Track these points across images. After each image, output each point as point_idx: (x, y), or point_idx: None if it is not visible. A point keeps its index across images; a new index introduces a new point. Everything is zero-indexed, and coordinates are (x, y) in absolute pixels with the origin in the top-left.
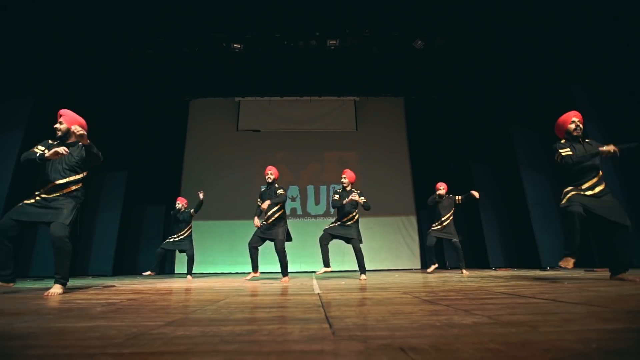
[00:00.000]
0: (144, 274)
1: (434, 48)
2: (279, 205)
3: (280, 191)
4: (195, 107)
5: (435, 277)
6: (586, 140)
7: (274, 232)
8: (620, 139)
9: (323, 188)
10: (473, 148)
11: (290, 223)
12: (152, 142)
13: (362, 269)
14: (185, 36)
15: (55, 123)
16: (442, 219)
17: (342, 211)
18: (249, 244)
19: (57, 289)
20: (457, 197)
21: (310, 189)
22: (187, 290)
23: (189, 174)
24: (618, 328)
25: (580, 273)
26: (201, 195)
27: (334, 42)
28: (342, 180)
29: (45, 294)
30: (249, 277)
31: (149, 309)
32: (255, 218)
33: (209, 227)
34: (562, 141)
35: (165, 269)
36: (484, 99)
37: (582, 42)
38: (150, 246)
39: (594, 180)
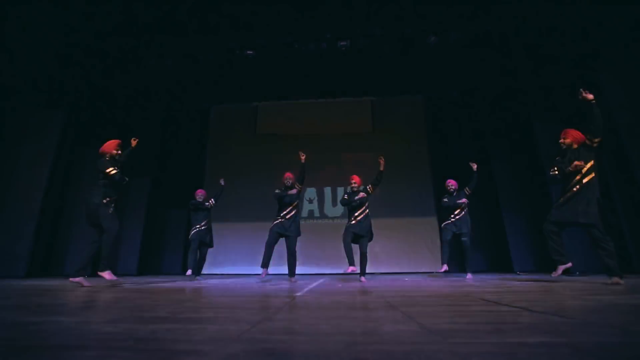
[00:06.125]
0: (187, 274)
1: (450, 44)
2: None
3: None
4: (216, 113)
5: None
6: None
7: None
8: None
9: (340, 190)
10: (494, 146)
11: (308, 225)
12: (175, 148)
13: (363, 272)
14: (199, 46)
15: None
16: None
17: (353, 207)
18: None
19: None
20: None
21: (328, 190)
22: (179, 291)
23: (210, 178)
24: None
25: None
26: (222, 182)
27: (344, 43)
28: (353, 184)
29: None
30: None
31: (88, 306)
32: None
33: (230, 229)
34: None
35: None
36: (506, 94)
37: (609, 27)
38: (172, 247)
39: None
